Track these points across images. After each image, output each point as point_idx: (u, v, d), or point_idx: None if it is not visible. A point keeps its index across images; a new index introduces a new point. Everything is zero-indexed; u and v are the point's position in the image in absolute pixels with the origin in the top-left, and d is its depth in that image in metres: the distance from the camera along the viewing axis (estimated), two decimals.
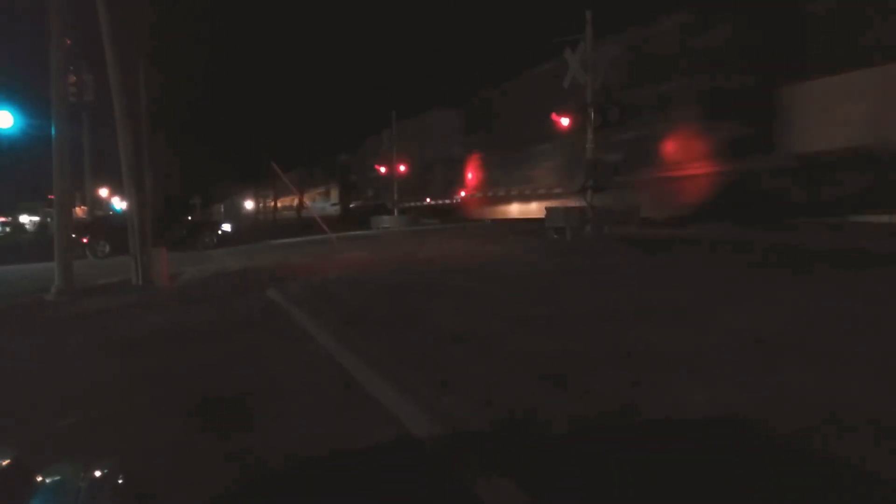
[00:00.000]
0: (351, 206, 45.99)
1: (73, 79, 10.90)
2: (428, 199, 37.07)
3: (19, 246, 29.37)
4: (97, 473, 1.33)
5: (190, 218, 28.37)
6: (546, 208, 17.31)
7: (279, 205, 59.93)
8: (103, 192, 45.42)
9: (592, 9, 15.83)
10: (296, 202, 52.36)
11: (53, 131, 10.07)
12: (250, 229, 33.55)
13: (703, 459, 2.63)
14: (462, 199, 33.14)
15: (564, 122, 18.19)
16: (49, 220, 51.25)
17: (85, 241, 18.48)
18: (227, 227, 23.30)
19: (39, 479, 1.27)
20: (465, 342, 4.93)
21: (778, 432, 2.85)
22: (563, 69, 16.68)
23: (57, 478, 1.31)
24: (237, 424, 3.67)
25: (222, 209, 70.43)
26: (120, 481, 1.36)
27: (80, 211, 33.36)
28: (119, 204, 42.11)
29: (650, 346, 4.46)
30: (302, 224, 31.07)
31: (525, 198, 26.56)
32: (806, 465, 2.54)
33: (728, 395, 3.37)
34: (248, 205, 71.33)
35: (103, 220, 23.07)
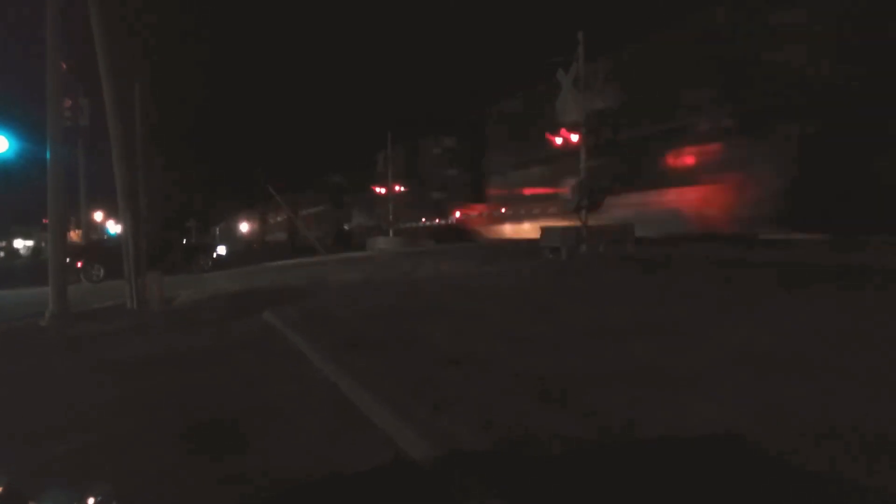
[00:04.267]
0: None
1: (68, 103, 10.98)
2: (424, 220, 37.13)
3: (13, 270, 29.23)
4: (91, 501, 1.32)
5: (185, 241, 28.33)
6: (541, 228, 17.32)
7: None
8: (98, 215, 45.41)
9: (584, 30, 16.06)
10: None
11: (48, 155, 10.07)
12: (247, 252, 33.47)
13: (702, 481, 2.62)
14: (458, 219, 33.27)
15: (559, 140, 18.36)
16: (44, 244, 51.08)
17: (80, 265, 18.38)
18: (222, 249, 23.25)
19: None
20: (463, 363, 4.90)
21: (778, 451, 2.84)
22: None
23: None
24: (232, 449, 3.64)
25: (217, 232, 70.29)
26: None
27: (74, 235, 33.26)
28: (114, 228, 42.06)
29: (647, 365, 4.45)
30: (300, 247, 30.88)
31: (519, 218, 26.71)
32: (804, 484, 2.53)
33: (727, 413, 3.36)
34: (244, 227, 71.15)
35: (98, 244, 22.97)
